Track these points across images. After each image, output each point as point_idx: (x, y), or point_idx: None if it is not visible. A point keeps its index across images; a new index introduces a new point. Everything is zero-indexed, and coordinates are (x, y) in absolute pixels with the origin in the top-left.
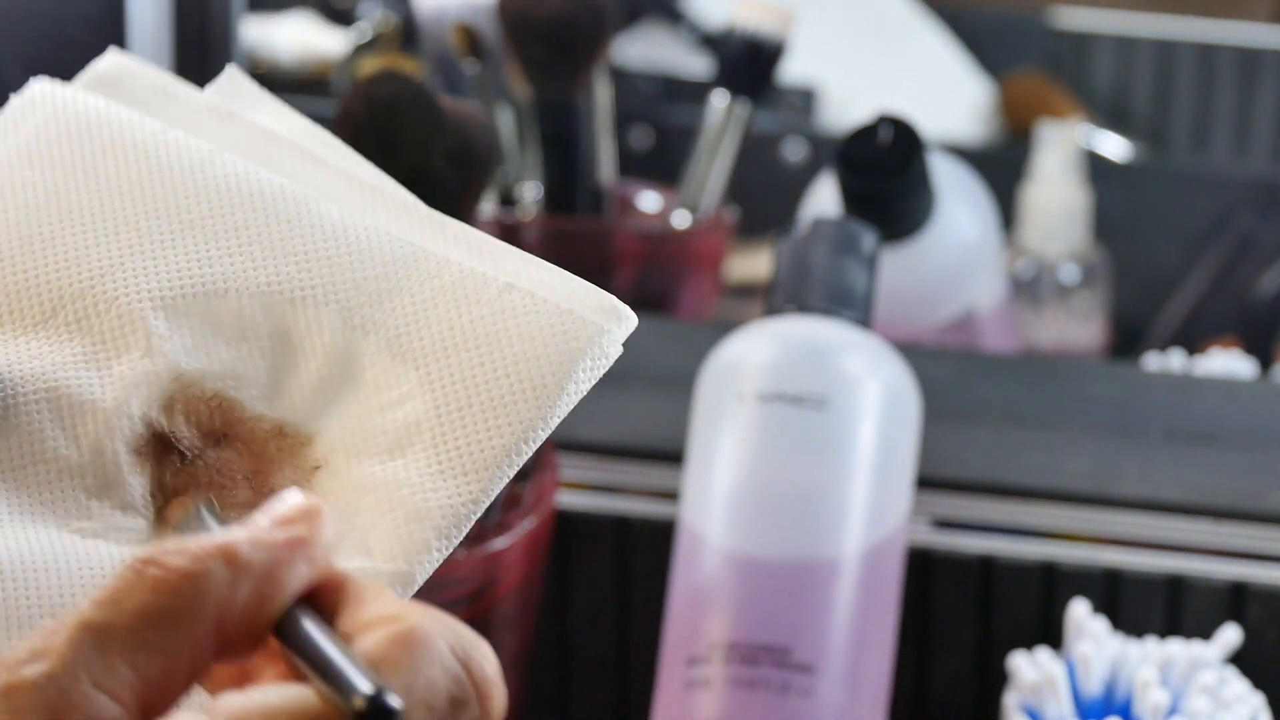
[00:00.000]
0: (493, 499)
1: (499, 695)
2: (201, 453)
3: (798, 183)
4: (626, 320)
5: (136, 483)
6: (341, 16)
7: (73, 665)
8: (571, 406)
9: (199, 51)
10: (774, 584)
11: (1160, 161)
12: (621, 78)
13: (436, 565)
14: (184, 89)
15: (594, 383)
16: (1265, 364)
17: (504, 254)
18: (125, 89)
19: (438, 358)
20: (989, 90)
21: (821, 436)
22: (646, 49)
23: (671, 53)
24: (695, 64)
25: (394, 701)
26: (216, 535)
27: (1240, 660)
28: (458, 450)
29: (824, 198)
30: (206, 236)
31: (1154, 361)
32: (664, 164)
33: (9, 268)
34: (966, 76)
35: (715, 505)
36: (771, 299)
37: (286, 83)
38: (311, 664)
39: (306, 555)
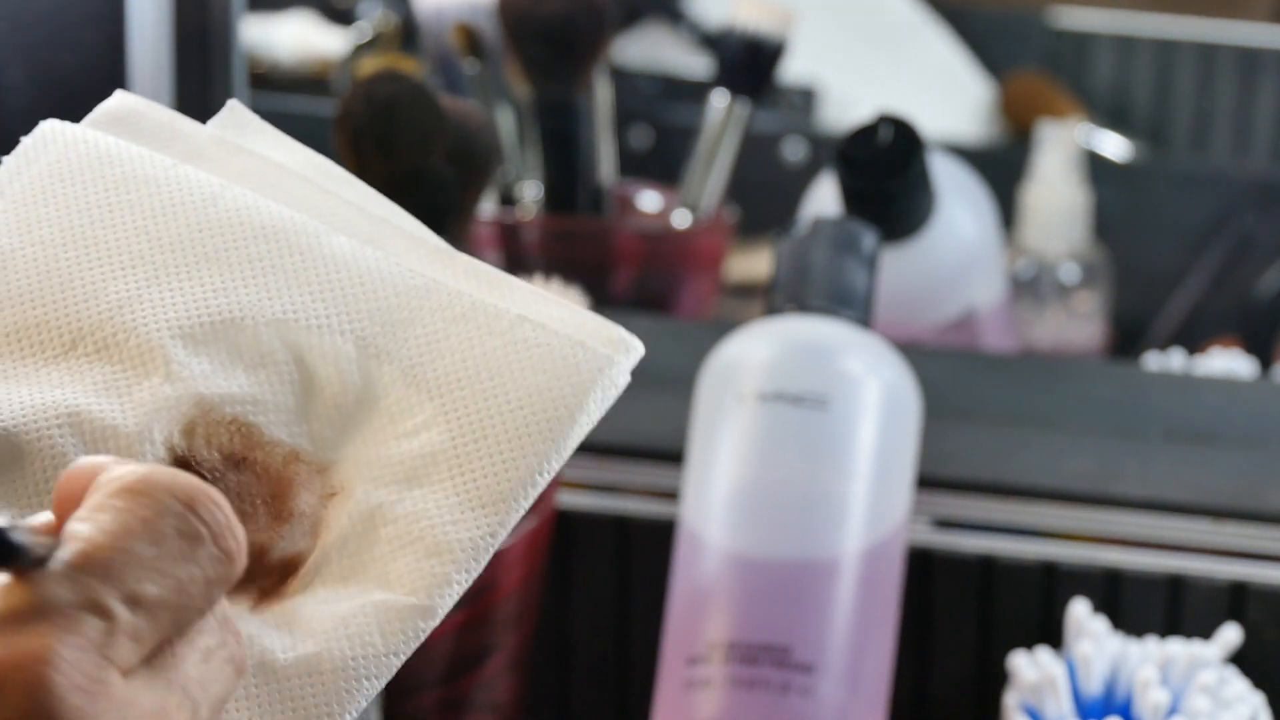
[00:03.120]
0: (509, 531)
1: (235, 534)
2: (221, 476)
3: (798, 182)
4: (634, 351)
5: None
6: (341, 16)
7: None
8: (583, 438)
9: (199, 51)
10: (774, 584)
11: (1160, 161)
12: (621, 77)
13: (457, 598)
14: (189, 124)
15: (604, 413)
16: (1265, 364)
17: (513, 287)
18: (132, 127)
19: (453, 388)
20: (989, 90)
21: (821, 436)
22: (646, 48)
23: (671, 52)
24: (695, 64)
25: (20, 537)
26: None
27: (1240, 660)
28: (475, 483)
29: (824, 197)
30: (221, 268)
31: (1154, 361)
32: (664, 164)
33: (29, 302)
34: (967, 76)
35: (715, 505)
36: (771, 299)
37: (286, 83)
38: None
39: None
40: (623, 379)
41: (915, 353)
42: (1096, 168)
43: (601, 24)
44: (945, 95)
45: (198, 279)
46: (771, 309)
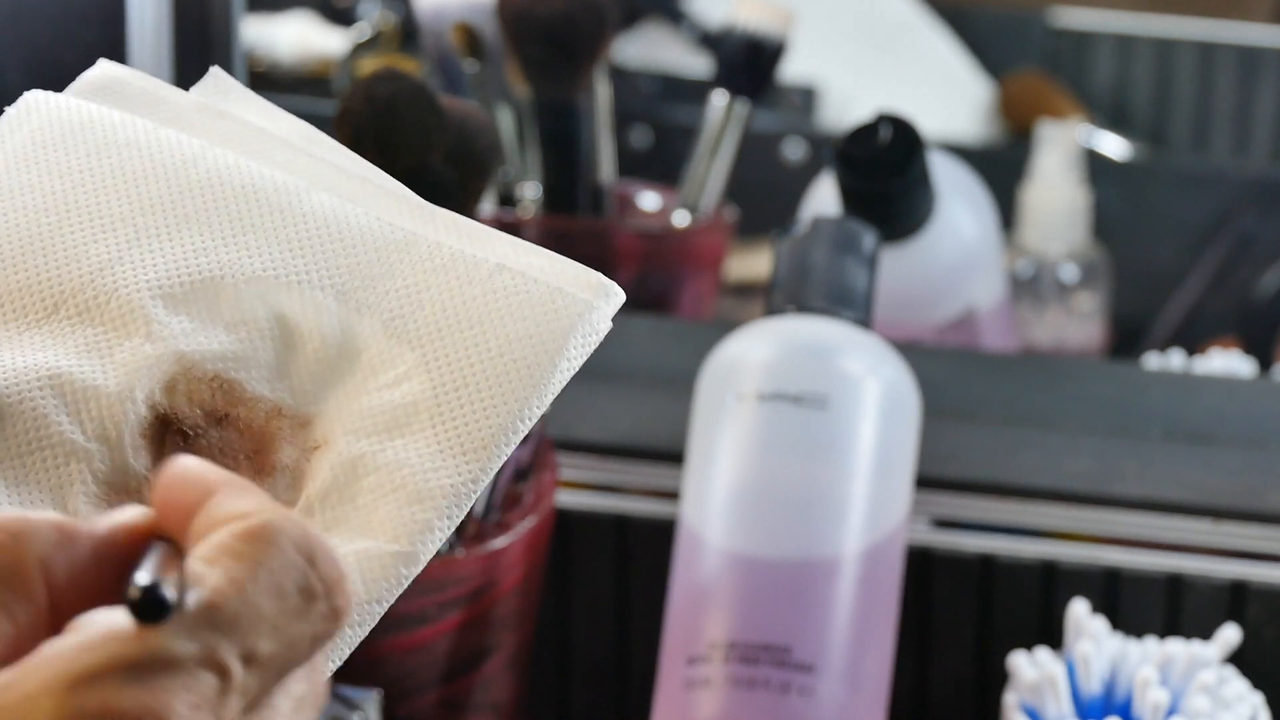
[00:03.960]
0: (491, 477)
1: (346, 591)
2: (204, 432)
3: (798, 182)
4: (615, 296)
5: (141, 464)
6: (341, 16)
7: None
8: (564, 383)
9: (199, 51)
10: (774, 583)
11: (1160, 161)
12: (621, 77)
13: (439, 544)
14: (172, 92)
15: (585, 358)
16: (1265, 363)
17: (494, 238)
18: (115, 94)
19: (434, 338)
20: (989, 89)
21: (821, 436)
22: (646, 48)
23: (671, 52)
24: (695, 63)
25: (168, 592)
26: (50, 512)
27: (1240, 659)
28: (456, 430)
29: (824, 197)
30: (201, 228)
31: (1154, 361)
32: (664, 163)
33: (11, 268)
34: (967, 76)
35: (715, 505)
36: (771, 298)
37: (286, 82)
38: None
39: (132, 538)
40: (604, 324)
41: (915, 353)
42: (1096, 168)
43: (602, 24)
44: (945, 95)
45: (178, 239)
46: (771, 309)
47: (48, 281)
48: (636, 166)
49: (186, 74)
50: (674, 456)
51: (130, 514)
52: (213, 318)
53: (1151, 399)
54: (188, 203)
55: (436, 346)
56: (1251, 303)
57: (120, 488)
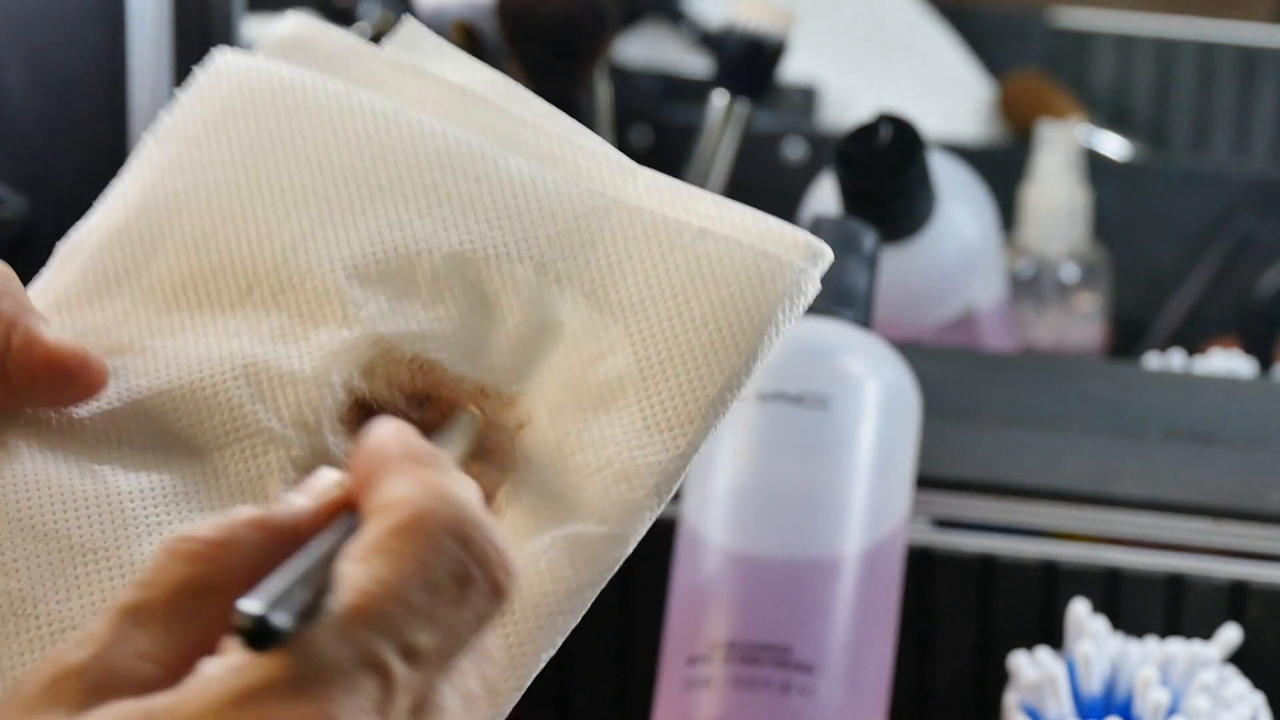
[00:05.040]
0: (697, 451)
1: (505, 569)
2: (406, 415)
3: (798, 182)
4: (824, 257)
5: (342, 450)
6: (341, 16)
7: (114, 644)
8: (772, 349)
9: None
10: (774, 583)
11: (1160, 161)
12: (621, 76)
13: (649, 524)
14: (367, 46)
15: (793, 324)
16: (1265, 363)
17: (695, 197)
18: (310, 51)
19: (637, 309)
20: (989, 89)
21: (822, 436)
22: (647, 48)
23: (672, 51)
24: (696, 63)
25: (280, 620)
26: (246, 509)
27: (1240, 659)
28: (663, 405)
29: (824, 197)
30: (396, 200)
31: (1154, 361)
32: (664, 163)
33: (204, 248)
34: (967, 75)
35: (715, 504)
36: None
37: None
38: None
39: (337, 517)
40: (812, 287)
41: (915, 353)
42: (1097, 167)
43: (602, 23)
44: (945, 95)
45: (371, 213)
46: None
47: (240, 263)
48: None
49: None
50: None
51: (325, 487)
52: (410, 296)
53: (1152, 399)
54: (380, 172)
55: (640, 318)
56: (1252, 302)
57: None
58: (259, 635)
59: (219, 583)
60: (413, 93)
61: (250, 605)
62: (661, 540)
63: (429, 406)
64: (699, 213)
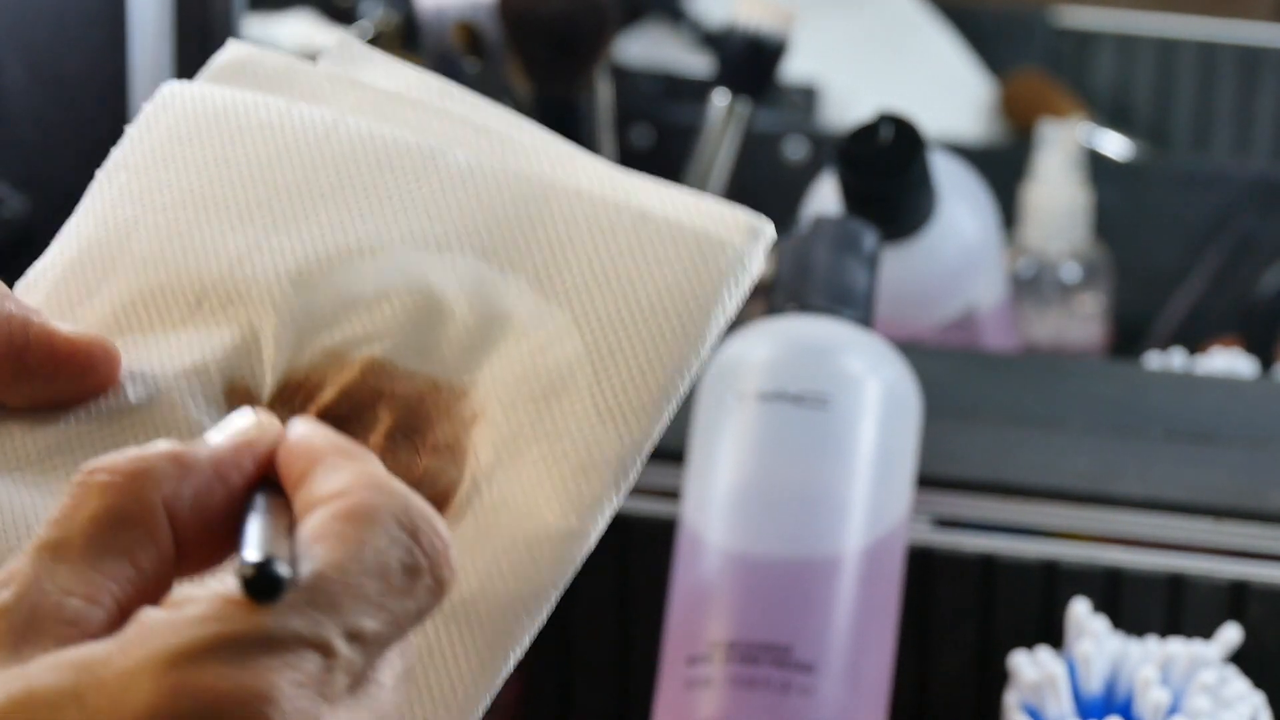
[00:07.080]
0: (655, 441)
1: (450, 563)
2: (358, 416)
3: (799, 181)
4: (763, 235)
5: None
6: (342, 15)
7: (36, 581)
8: (720, 332)
9: (199, 52)
10: (774, 583)
11: (1161, 160)
12: (623, 76)
13: (609, 518)
14: (304, 66)
15: (740, 304)
16: (1266, 363)
17: (635, 182)
18: (250, 74)
19: (583, 294)
20: (990, 89)
21: (822, 435)
22: (648, 47)
23: (673, 51)
24: (697, 62)
25: (282, 570)
26: (161, 441)
27: (1241, 659)
28: (615, 394)
29: (825, 197)
30: (338, 205)
31: (1155, 360)
32: (665, 163)
33: (152, 268)
34: (968, 75)
35: (716, 504)
36: (772, 298)
37: None
38: (239, 546)
39: (252, 454)
40: (756, 266)
41: (915, 352)
42: (1097, 167)
43: (603, 23)
44: (946, 94)
45: (315, 220)
46: (772, 308)
47: (188, 277)
48: (638, 166)
49: (187, 75)
50: (674, 456)
51: (244, 427)
52: (354, 297)
53: (1152, 398)
54: (322, 179)
55: (587, 303)
56: (1252, 302)
57: None
58: (263, 584)
59: (135, 513)
60: (351, 102)
61: (254, 554)
62: (661, 540)
63: (381, 405)
64: (639, 197)
